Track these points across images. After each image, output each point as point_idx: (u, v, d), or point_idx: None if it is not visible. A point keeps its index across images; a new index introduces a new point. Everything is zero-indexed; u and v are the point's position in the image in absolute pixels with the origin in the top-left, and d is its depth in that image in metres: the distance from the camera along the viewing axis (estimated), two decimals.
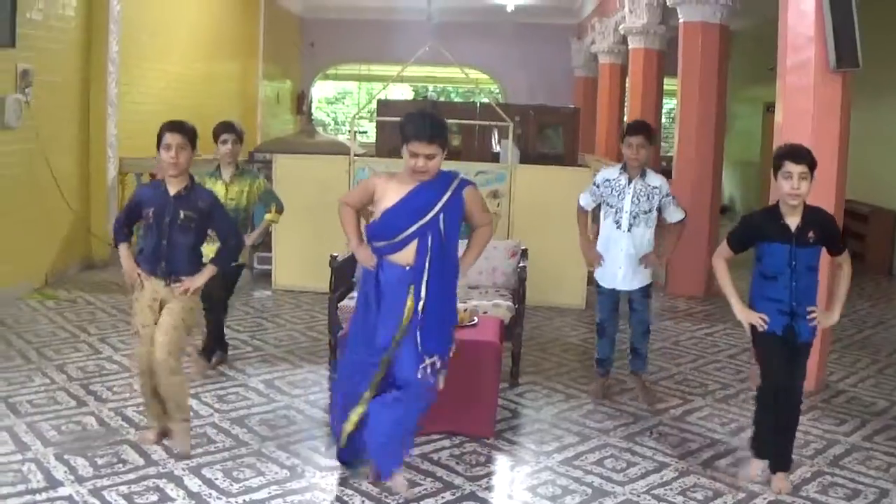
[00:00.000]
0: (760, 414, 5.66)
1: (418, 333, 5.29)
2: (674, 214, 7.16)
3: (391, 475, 5.37)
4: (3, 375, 7.20)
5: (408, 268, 5.29)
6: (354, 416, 5.41)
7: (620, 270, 7.09)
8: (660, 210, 7.13)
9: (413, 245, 5.28)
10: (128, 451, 5.76)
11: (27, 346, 8.10)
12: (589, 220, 7.53)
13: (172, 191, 5.81)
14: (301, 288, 10.54)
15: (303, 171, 8.92)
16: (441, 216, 5.27)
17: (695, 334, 9.58)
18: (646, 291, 7.23)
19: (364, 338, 5.41)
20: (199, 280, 5.89)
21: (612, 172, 7.17)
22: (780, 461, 5.61)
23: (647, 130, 7.08)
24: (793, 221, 5.36)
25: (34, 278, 10.48)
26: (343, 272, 7.80)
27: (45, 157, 10.40)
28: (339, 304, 7.41)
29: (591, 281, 10.12)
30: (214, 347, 7.71)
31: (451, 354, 5.49)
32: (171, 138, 5.74)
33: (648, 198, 7.01)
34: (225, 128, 7.63)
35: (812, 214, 5.41)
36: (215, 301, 7.51)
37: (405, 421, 5.37)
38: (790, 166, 5.26)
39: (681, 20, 11.50)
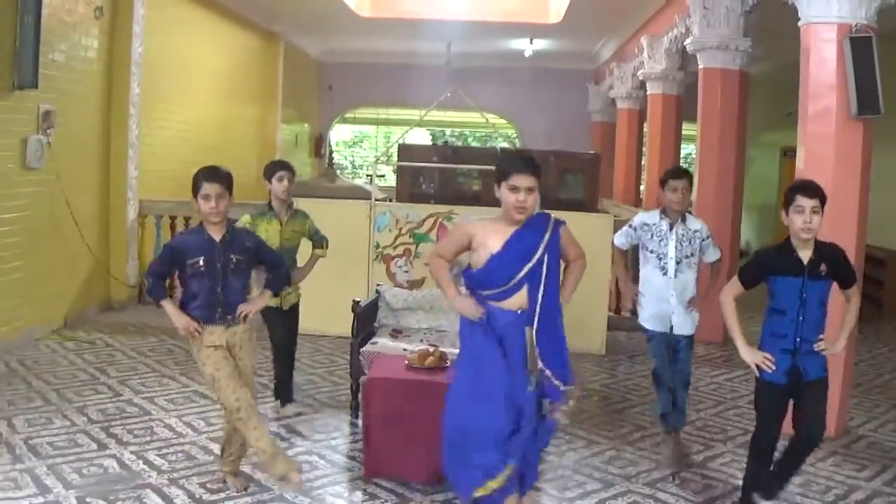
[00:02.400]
0: (752, 463, 5.65)
1: (547, 371, 5.35)
2: (712, 255, 7.14)
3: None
4: (24, 417, 7.23)
5: (520, 311, 5.31)
6: (501, 477, 5.36)
7: (673, 316, 6.96)
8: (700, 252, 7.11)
9: (524, 289, 5.30)
10: (150, 494, 5.76)
11: (47, 387, 8.12)
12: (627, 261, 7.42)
13: (217, 237, 5.81)
14: (320, 332, 10.54)
15: (324, 215, 8.90)
16: (545, 258, 5.29)
17: (714, 380, 9.54)
18: (691, 339, 7.09)
19: (484, 393, 5.33)
20: (258, 304, 6.00)
21: (651, 217, 7.08)
22: (770, 490, 5.61)
23: (689, 175, 7.06)
24: (805, 255, 5.36)
25: (54, 320, 10.52)
26: (365, 317, 7.81)
27: (65, 198, 10.46)
28: (361, 350, 7.40)
29: (610, 326, 10.15)
30: (292, 388, 7.91)
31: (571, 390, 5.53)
32: (209, 188, 5.71)
33: (691, 242, 6.96)
34: (280, 165, 7.65)
35: (824, 248, 5.41)
36: (291, 343, 7.84)
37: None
38: (802, 200, 5.28)
39: (700, 66, 11.53)
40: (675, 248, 6.93)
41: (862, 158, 7.46)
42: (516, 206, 5.26)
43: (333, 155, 24.79)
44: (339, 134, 27.33)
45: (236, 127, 17.07)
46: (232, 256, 5.80)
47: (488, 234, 5.36)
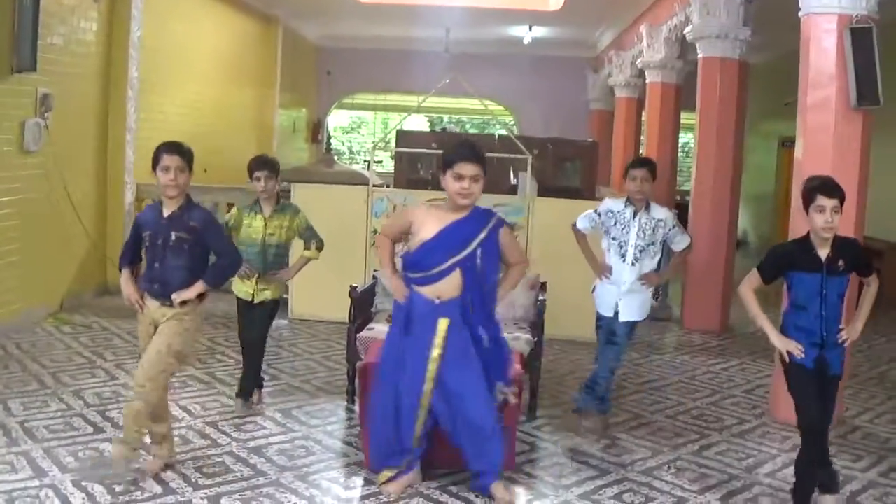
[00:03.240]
0: (806, 445, 5.56)
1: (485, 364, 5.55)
2: (680, 243, 7.18)
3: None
4: (20, 400, 7.22)
5: (437, 301, 5.43)
6: (419, 421, 5.59)
7: (621, 301, 7.01)
8: (665, 241, 7.14)
9: (447, 279, 5.42)
10: (145, 478, 5.75)
11: (43, 370, 8.11)
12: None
13: (167, 212, 5.77)
14: (317, 317, 10.56)
15: (321, 201, 8.93)
16: (478, 252, 5.37)
17: (711, 369, 9.54)
18: (633, 327, 7.15)
19: (396, 364, 5.58)
20: (190, 293, 5.72)
21: (616, 204, 7.11)
22: (833, 483, 5.61)
23: (650, 165, 7.08)
24: (823, 252, 5.36)
25: (50, 303, 10.52)
26: (363, 303, 7.80)
27: (63, 181, 10.45)
28: (358, 335, 7.40)
29: None
30: (251, 387, 7.47)
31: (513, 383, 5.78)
32: (169, 160, 5.69)
33: (654, 230, 6.98)
34: (258, 164, 7.34)
35: (842, 244, 5.41)
36: (252, 339, 7.43)
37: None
38: (823, 200, 5.26)
39: (699, 55, 11.52)
40: (637, 235, 6.95)
41: (861, 149, 7.45)
42: (460, 193, 5.40)
43: (331, 140, 24.76)
44: (337, 119, 27.31)
45: (234, 111, 17.03)
46: (173, 233, 5.71)
47: (427, 220, 5.54)
